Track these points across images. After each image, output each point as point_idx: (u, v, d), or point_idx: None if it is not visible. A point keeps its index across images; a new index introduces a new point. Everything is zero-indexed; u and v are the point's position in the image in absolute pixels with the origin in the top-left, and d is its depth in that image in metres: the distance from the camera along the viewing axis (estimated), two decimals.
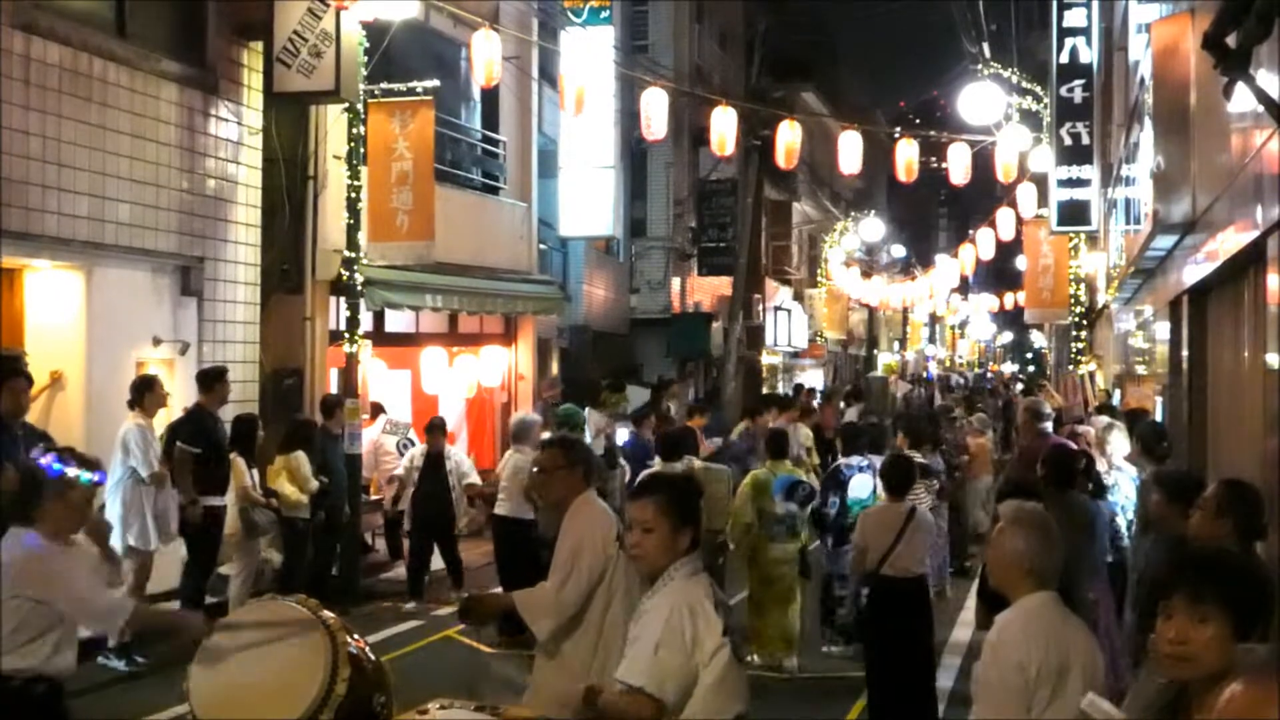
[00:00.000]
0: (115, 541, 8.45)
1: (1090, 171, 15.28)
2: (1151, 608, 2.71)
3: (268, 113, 11.48)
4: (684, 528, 3.62)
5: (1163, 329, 11.11)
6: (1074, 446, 7.80)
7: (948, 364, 59.56)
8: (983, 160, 16.43)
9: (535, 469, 4.89)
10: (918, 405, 26.27)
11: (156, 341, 10.28)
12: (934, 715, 7.20)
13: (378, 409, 12.78)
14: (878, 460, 8.69)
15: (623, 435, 12.12)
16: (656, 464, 9.30)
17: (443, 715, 3.93)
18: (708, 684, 3.45)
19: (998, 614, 3.51)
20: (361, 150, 11.59)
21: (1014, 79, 19.38)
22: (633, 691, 3.45)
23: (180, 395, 10.30)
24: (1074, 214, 15.54)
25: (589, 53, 16.10)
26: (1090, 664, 3.39)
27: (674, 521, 3.60)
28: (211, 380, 9.55)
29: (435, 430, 11.31)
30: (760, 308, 28.48)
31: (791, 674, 8.75)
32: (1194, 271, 8.29)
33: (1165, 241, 9.36)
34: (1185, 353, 9.39)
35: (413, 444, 12.24)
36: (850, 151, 14.49)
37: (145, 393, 8.91)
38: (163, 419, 9.37)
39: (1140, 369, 14.23)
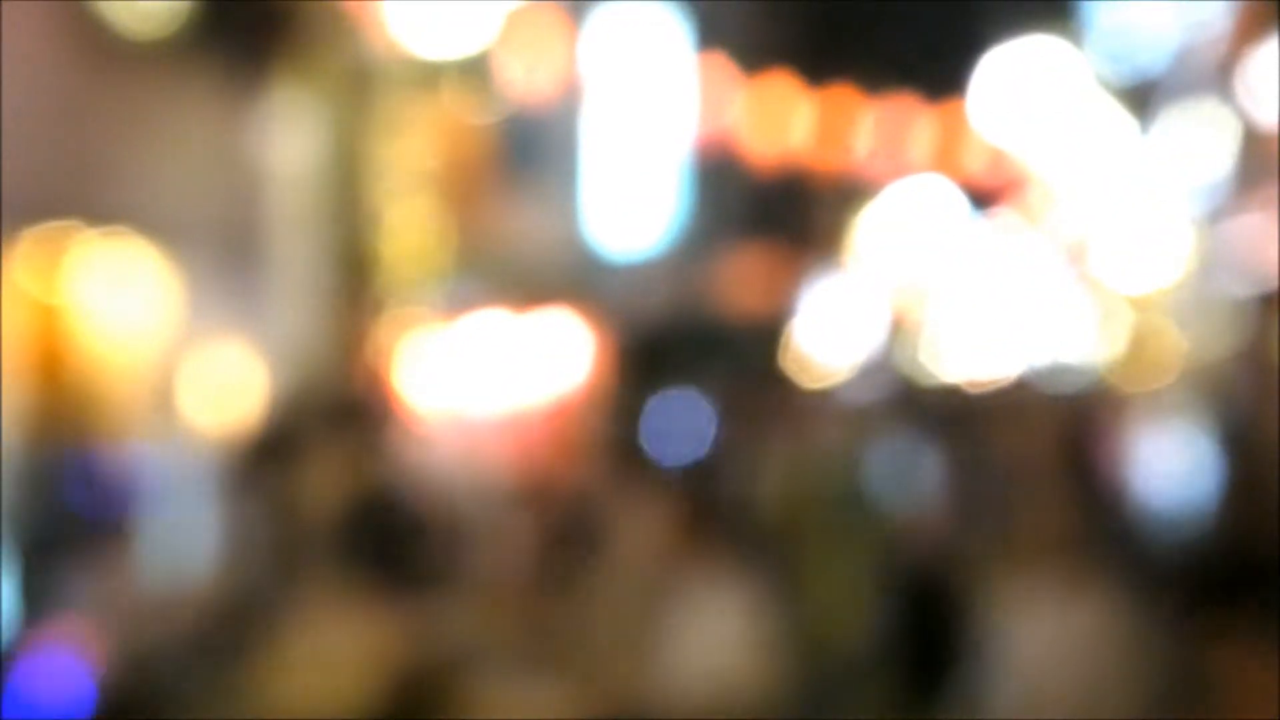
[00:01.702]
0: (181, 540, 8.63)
1: None
2: None
3: (328, 101, 11.58)
4: (716, 525, 3.62)
5: None
6: None
7: None
8: None
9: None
10: None
11: (219, 334, 10.42)
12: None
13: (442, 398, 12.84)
14: None
15: None
16: None
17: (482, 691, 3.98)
18: (740, 686, 3.46)
19: None
20: (417, 138, 11.70)
21: None
22: (659, 689, 3.46)
23: (243, 388, 10.46)
24: None
25: None
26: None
27: (706, 519, 3.60)
28: (278, 374, 9.75)
29: None
30: None
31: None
32: None
33: None
34: None
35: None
36: None
37: (200, 387, 9.05)
38: (218, 414, 9.51)
39: None
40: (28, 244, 8.59)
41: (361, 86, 11.57)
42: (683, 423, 11.85)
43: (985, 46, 21.06)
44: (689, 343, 22.68)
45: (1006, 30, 21.55)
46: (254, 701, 3.92)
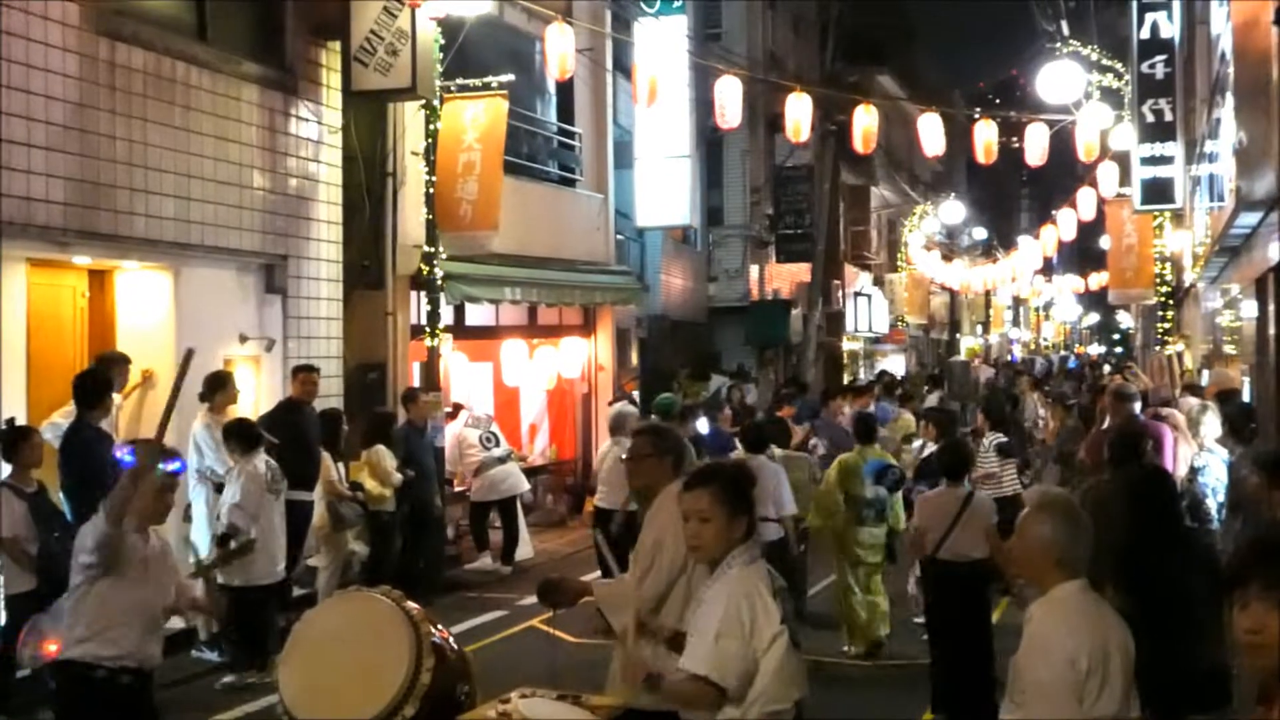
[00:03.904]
0: (197, 536, 8.68)
1: (1174, 148, 15.09)
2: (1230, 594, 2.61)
3: (346, 111, 11.62)
4: (739, 516, 3.63)
5: (1250, 307, 10.94)
6: (1157, 427, 7.70)
7: (1032, 347, 58.99)
8: (1063, 139, 16.19)
9: (626, 457, 4.86)
10: (1002, 390, 26.12)
11: (243, 339, 10.46)
12: (994, 702, 7.11)
13: (459, 406, 12.86)
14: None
15: (703, 425, 12.13)
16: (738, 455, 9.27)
17: (525, 704, 4.00)
18: (767, 671, 3.48)
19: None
20: (433, 142, 11.71)
21: (1093, 56, 19.10)
22: (694, 679, 3.48)
23: (266, 391, 10.55)
24: (1157, 192, 15.36)
25: (662, 42, 16.15)
26: (1126, 648, 3.34)
27: (729, 510, 3.60)
28: (300, 375, 9.82)
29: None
30: (840, 294, 28.30)
31: (880, 660, 8.73)
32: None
33: (1250, 218, 9.22)
34: (1273, 331, 9.23)
35: (496, 437, 12.37)
36: (929, 134, 14.34)
37: (217, 390, 9.07)
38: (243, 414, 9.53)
39: (1228, 348, 14.01)
40: (56, 253, 8.70)
41: (381, 96, 11.60)
42: (711, 409, 11.93)
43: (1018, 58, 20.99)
44: (714, 331, 22.82)
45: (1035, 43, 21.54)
46: (280, 691, 3.95)
